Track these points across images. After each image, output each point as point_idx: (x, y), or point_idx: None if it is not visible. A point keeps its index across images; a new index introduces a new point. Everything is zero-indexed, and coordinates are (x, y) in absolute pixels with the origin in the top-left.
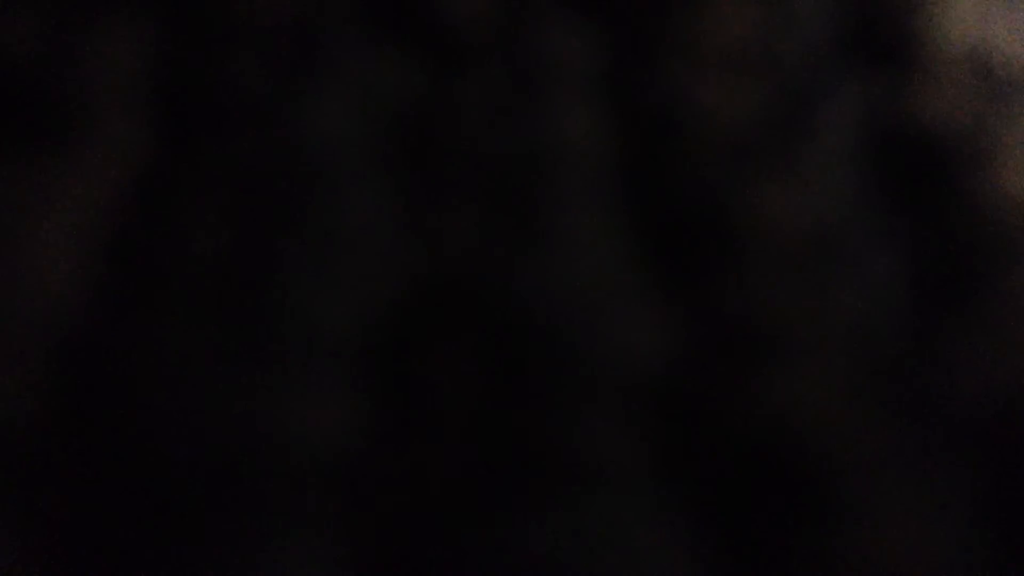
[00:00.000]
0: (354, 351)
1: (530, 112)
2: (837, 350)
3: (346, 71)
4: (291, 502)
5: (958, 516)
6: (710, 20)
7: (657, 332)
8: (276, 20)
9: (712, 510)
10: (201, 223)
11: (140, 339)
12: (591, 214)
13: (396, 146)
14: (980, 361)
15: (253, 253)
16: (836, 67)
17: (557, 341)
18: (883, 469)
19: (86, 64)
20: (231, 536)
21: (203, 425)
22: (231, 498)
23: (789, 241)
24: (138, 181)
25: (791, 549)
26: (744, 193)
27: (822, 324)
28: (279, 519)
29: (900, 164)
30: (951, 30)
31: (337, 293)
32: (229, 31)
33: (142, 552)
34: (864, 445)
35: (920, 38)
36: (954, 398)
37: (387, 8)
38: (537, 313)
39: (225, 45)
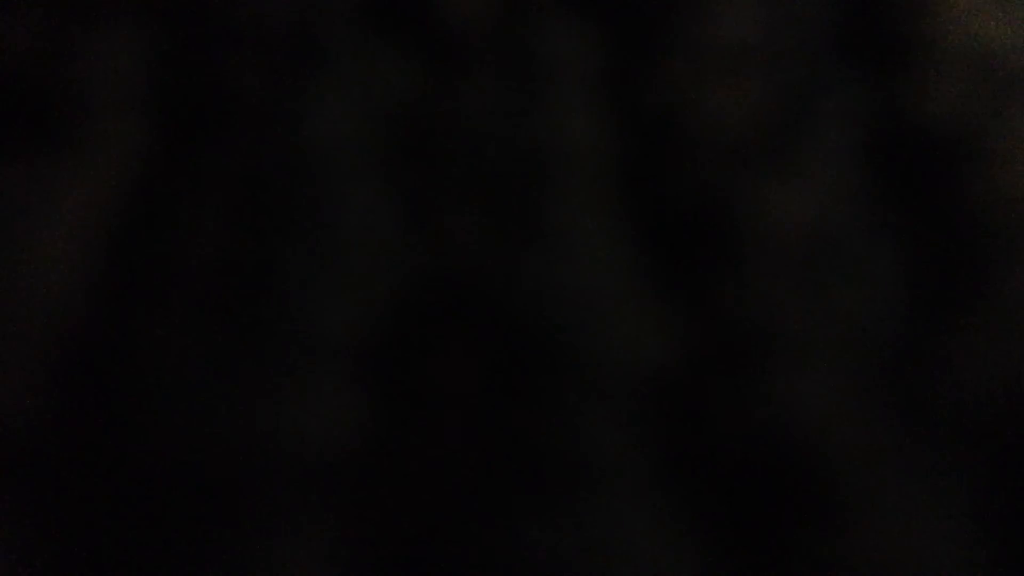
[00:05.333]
0: (354, 351)
1: (530, 112)
2: (837, 350)
3: (346, 71)
4: (290, 502)
5: (958, 516)
6: (710, 20)
7: (657, 332)
8: (276, 20)
9: (712, 510)
10: (201, 223)
11: (140, 339)
12: (591, 214)
13: (396, 146)
14: (980, 361)
15: (253, 253)
16: (836, 67)
17: (557, 341)
18: (883, 469)
19: (86, 64)
20: (230, 536)
21: (203, 425)
22: (230, 498)
23: (789, 241)
24: (138, 181)
25: (791, 549)
26: (744, 193)
27: (822, 324)
28: (278, 519)
29: (900, 164)
30: (951, 30)
31: (337, 293)
32: (229, 31)
33: (141, 552)
34: (864, 445)
35: (920, 38)
36: (954, 398)
37: (387, 8)
38: (537, 313)
39: (225, 45)
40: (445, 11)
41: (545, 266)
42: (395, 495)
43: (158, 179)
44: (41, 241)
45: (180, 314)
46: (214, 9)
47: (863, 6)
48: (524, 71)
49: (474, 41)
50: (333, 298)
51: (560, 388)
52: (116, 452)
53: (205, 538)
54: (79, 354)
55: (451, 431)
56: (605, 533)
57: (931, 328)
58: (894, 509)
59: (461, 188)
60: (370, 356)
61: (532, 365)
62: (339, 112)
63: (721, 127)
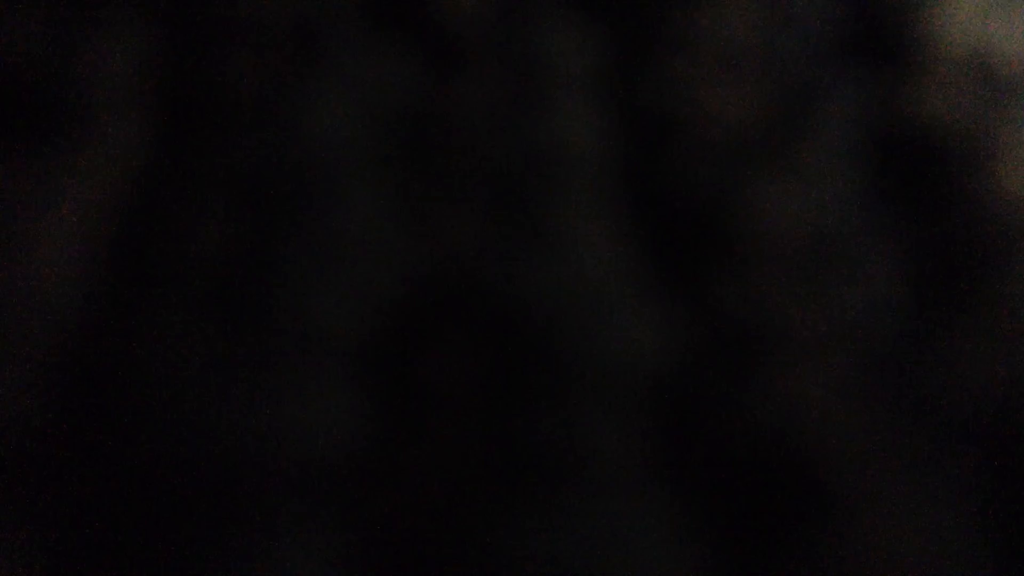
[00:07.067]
0: (354, 351)
1: (530, 112)
2: (837, 350)
3: (346, 71)
4: (290, 502)
5: (958, 516)
6: (710, 20)
7: (657, 332)
8: (276, 20)
9: (712, 510)
10: (201, 223)
11: (140, 339)
12: (590, 213)
13: (396, 146)
14: (980, 361)
15: (253, 253)
16: (836, 67)
17: (557, 341)
18: (883, 469)
19: (86, 64)
20: (230, 535)
21: (202, 425)
22: (231, 497)
23: (789, 241)
24: (138, 181)
25: (791, 549)
26: (744, 193)
27: (822, 324)
28: (278, 519)
29: (900, 164)
30: (951, 30)
31: (337, 293)
32: (229, 31)
33: (142, 551)
34: (864, 445)
35: (920, 38)
36: (954, 398)
37: (387, 8)
38: (537, 313)
39: (225, 45)
40: (445, 11)
41: (544, 266)
42: (395, 495)
43: (158, 179)
44: (41, 241)
45: (180, 314)
46: (214, 8)
47: (862, 6)
48: (524, 71)
49: (474, 41)
50: (333, 298)
51: (560, 388)
52: (116, 452)
53: (204, 537)
54: (79, 354)
55: (451, 431)
56: (605, 533)
57: (931, 328)
58: (893, 508)
59: (461, 188)
60: (370, 356)
61: (532, 365)
62: (339, 111)
63: (720, 127)
